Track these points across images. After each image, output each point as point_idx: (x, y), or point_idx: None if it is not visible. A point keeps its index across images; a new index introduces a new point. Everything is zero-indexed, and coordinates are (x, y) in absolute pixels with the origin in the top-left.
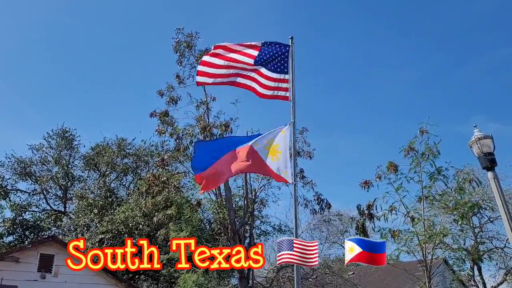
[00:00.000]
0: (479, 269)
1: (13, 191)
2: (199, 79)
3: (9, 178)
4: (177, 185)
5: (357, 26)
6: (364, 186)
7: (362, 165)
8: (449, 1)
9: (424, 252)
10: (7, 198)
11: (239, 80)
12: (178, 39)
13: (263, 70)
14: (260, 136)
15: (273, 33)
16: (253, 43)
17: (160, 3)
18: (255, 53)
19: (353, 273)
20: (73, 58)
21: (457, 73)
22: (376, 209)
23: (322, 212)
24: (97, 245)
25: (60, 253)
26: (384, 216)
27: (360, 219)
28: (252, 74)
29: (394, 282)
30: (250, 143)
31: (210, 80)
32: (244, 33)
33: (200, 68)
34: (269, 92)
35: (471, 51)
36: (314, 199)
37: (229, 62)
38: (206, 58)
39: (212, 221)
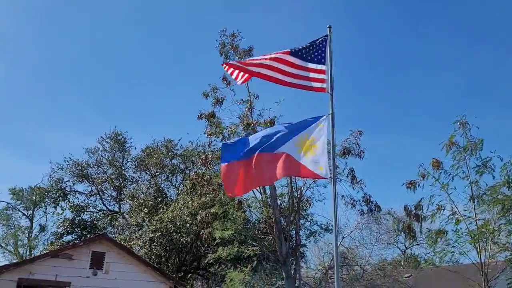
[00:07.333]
0: None
1: (72, 193)
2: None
3: (68, 180)
4: (221, 184)
5: (408, 23)
6: (410, 187)
7: (409, 165)
8: None
9: (479, 253)
10: (67, 200)
11: (266, 72)
12: (222, 41)
13: (294, 59)
14: (292, 135)
15: (320, 34)
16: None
17: (204, 4)
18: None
19: (410, 275)
20: (124, 60)
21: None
22: (422, 209)
23: (370, 213)
24: (148, 243)
25: (110, 250)
26: (432, 217)
27: (407, 220)
28: (282, 66)
29: (455, 286)
30: (279, 149)
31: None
32: (291, 33)
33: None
34: (305, 83)
35: None
36: (363, 200)
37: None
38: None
39: (258, 221)
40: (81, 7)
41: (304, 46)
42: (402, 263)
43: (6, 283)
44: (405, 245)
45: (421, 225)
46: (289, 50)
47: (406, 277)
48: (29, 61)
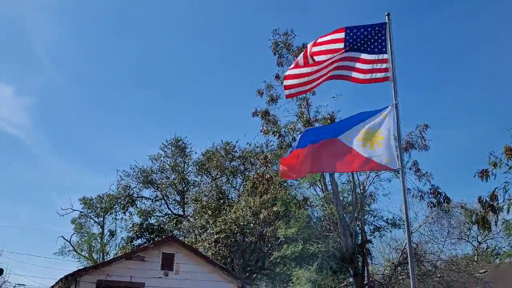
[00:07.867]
0: None
1: (139, 199)
2: (288, 92)
3: (134, 187)
4: (281, 183)
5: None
6: (482, 176)
7: (478, 156)
8: None
9: None
10: (135, 205)
11: (330, 73)
12: (275, 40)
13: (355, 54)
14: (354, 127)
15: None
16: (336, 35)
17: (254, 3)
18: (341, 44)
19: (485, 271)
20: (179, 69)
21: None
22: (497, 199)
23: (440, 206)
24: (213, 244)
25: (179, 251)
26: (508, 206)
27: (481, 211)
28: (344, 63)
29: None
30: (339, 136)
31: (301, 89)
32: (343, 22)
33: (286, 82)
34: (367, 76)
35: None
36: (431, 193)
37: (313, 68)
38: (289, 71)
39: (321, 218)
40: (137, 23)
41: (360, 39)
42: (476, 259)
43: (87, 284)
44: (477, 240)
45: (497, 216)
46: (344, 28)
47: (481, 273)
48: (93, 77)
